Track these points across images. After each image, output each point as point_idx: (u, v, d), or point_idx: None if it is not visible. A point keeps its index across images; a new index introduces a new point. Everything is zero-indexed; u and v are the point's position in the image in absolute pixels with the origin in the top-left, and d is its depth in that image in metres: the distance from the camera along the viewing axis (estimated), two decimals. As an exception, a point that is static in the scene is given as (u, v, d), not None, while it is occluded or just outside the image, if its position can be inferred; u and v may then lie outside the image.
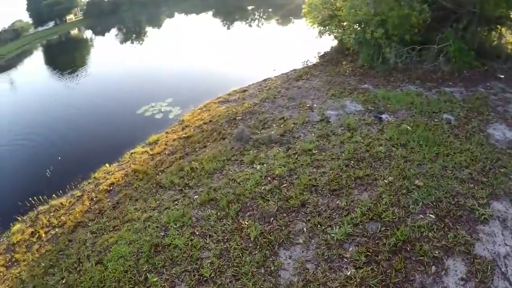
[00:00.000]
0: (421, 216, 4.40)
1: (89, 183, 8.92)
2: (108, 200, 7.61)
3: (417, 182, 4.97)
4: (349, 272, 3.92)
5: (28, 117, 16.55)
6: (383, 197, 4.79)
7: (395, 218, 4.41)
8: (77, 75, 24.17)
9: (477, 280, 3.60)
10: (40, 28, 67.61)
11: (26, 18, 67.86)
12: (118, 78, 21.29)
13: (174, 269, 4.68)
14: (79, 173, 9.45)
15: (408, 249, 4.00)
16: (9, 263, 6.62)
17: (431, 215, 4.37)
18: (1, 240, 7.61)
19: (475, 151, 5.51)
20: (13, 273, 6.20)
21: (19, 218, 8.11)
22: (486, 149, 5.56)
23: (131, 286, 4.64)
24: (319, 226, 4.65)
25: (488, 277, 3.61)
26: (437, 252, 3.90)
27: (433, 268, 3.76)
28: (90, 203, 7.76)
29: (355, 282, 3.78)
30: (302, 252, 4.38)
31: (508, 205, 4.42)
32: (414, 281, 3.68)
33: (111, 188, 8.16)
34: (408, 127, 6.45)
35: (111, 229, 6.29)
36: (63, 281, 5.38)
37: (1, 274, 6.35)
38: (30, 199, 8.56)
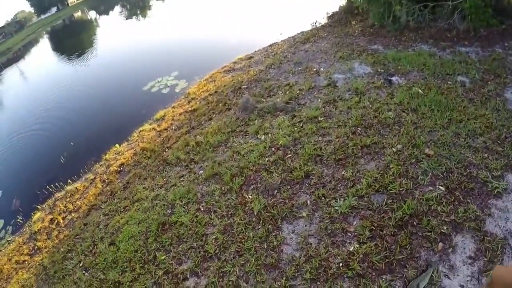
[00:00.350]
0: (430, 188, 4.15)
1: (100, 165, 9.10)
2: (119, 181, 7.72)
3: (427, 151, 4.67)
4: (352, 248, 3.77)
5: (42, 105, 16.74)
6: (390, 167, 4.55)
7: (402, 190, 4.18)
8: (86, 57, 24.25)
9: (486, 259, 3.38)
10: (43, 16, 67.43)
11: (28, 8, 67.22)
12: (124, 56, 21.30)
13: (181, 246, 4.70)
14: (92, 156, 9.74)
15: (415, 223, 3.79)
16: (32, 251, 6.94)
17: (440, 187, 4.11)
18: (24, 230, 7.98)
19: (491, 118, 5.10)
20: (36, 261, 6.49)
21: (39, 207, 8.45)
22: (502, 115, 5.14)
23: (141, 265, 4.74)
24: (323, 198, 4.49)
25: (498, 256, 3.38)
26: (445, 227, 3.68)
27: (440, 245, 3.55)
28: (102, 186, 7.90)
29: (357, 258, 3.64)
30: (305, 226, 4.25)
31: (525, 178, 4.08)
32: (419, 258, 3.49)
33: (121, 168, 8.27)
34: (420, 91, 6.06)
35: (122, 210, 6.40)
36: (80, 264, 5.58)
37: (26, 262, 6.68)
38: (48, 187, 8.90)
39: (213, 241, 4.51)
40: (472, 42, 7.63)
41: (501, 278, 1.36)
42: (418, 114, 5.52)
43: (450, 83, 6.20)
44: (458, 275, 3.30)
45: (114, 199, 6.99)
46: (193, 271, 4.29)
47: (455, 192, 4.02)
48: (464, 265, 3.38)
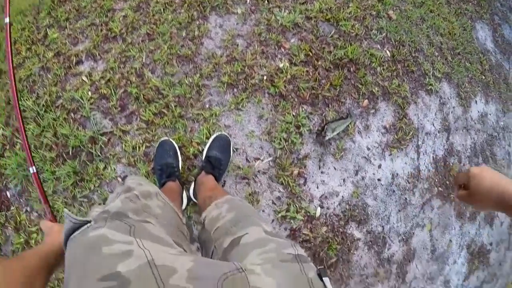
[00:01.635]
0: (378, 46, 3.65)
1: None
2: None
3: (390, 13, 4.05)
4: (282, 65, 3.12)
5: None
6: (349, 6, 3.79)
7: (353, 33, 3.55)
8: None
9: (396, 136, 3.28)
10: None
11: None
12: None
13: (79, 22, 3.41)
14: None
15: (351, 70, 3.31)
16: None
17: (387, 52, 3.66)
18: None
19: (456, 30, 4.73)
20: None
21: None
22: (465, 37, 4.83)
23: (28, 46, 3.45)
24: (266, 2, 3.52)
25: (405, 140, 3.33)
26: (376, 89, 3.33)
27: (366, 102, 3.23)
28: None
29: (284, 77, 3.04)
30: (237, 24, 3.33)
31: (454, 95, 4.03)
32: (343, 104, 3.11)
33: None
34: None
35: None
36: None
37: None
38: None
39: (120, 19, 3.33)
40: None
41: (480, 179, 1.11)
42: (396, -22, 4.75)
43: (437, -24, 5.50)
44: (369, 137, 3.10)
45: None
46: (90, 53, 3.18)
47: (398, 65, 3.65)
48: (377, 131, 3.18)
